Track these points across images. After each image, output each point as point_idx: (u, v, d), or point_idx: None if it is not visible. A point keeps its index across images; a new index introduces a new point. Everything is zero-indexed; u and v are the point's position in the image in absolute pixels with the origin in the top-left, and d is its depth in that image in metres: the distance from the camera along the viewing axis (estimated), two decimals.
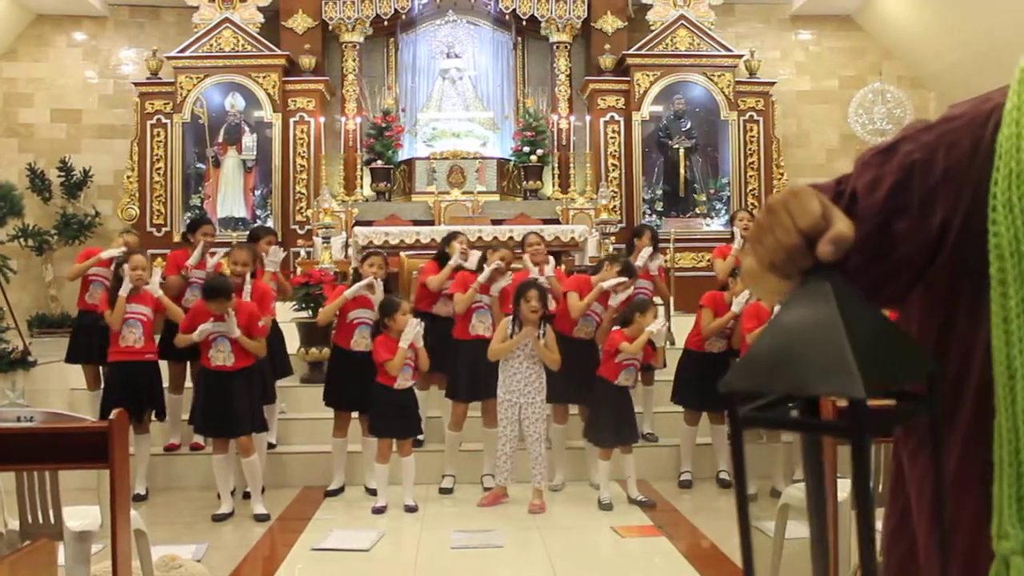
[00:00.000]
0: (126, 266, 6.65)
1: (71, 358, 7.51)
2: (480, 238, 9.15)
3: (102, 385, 7.14)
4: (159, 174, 11.93)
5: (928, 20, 12.46)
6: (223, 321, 6.19)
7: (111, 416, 3.58)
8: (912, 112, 12.54)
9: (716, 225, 12.08)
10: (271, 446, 7.21)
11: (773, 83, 12.70)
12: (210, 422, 6.34)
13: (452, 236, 7.49)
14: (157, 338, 6.97)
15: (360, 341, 6.68)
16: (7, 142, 12.82)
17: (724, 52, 12.34)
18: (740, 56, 12.49)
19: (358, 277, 7.08)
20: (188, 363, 7.38)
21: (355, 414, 6.84)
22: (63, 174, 12.48)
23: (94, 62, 13.08)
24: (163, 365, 7.13)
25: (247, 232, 9.30)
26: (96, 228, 12.39)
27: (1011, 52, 9.78)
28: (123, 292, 6.52)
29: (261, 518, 6.18)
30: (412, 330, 6.21)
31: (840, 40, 13.64)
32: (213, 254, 7.57)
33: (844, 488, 4.19)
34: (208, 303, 6.25)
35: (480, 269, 7.03)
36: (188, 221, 10.37)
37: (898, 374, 0.95)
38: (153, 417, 6.87)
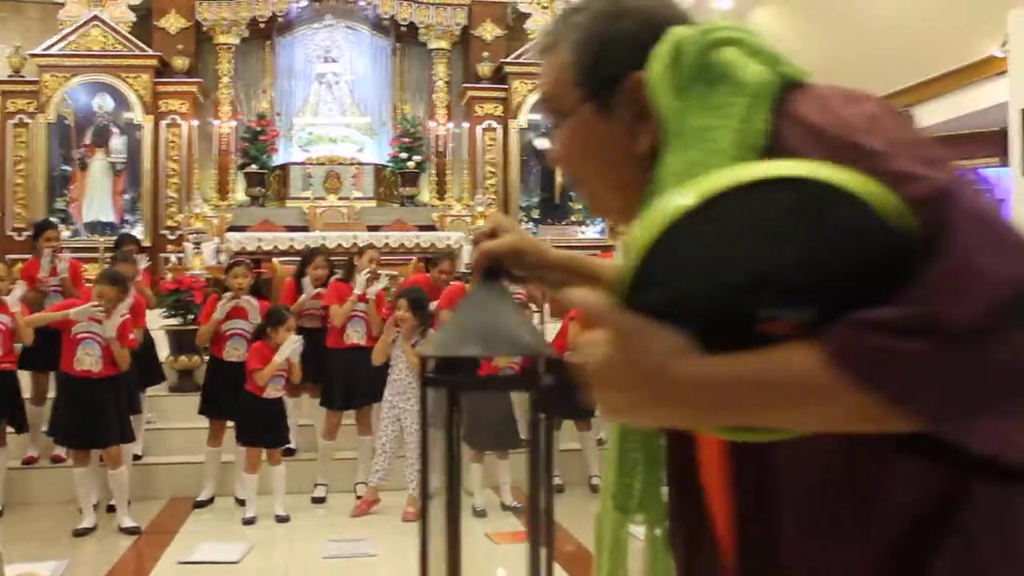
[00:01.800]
0: None
1: None
2: (355, 244, 9.10)
3: None
4: (21, 176, 11.52)
5: (796, 35, 12.87)
6: (104, 320, 5.98)
7: None
8: None
9: (591, 232, 12.24)
10: (137, 457, 7.01)
11: None
12: (74, 433, 6.12)
13: (315, 252, 7.39)
14: (20, 347, 6.71)
15: (233, 352, 6.57)
16: None
17: None
18: None
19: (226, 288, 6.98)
20: (52, 374, 7.16)
21: (230, 423, 6.71)
22: None
23: None
24: (25, 376, 6.89)
25: (114, 237, 9.09)
26: None
27: (874, 65, 10.11)
28: None
29: (131, 531, 6.00)
30: (290, 347, 6.13)
31: None
32: (60, 260, 7.32)
33: None
34: (104, 287, 6.06)
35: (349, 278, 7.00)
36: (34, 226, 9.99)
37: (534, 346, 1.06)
38: (12, 430, 6.59)
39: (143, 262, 7.44)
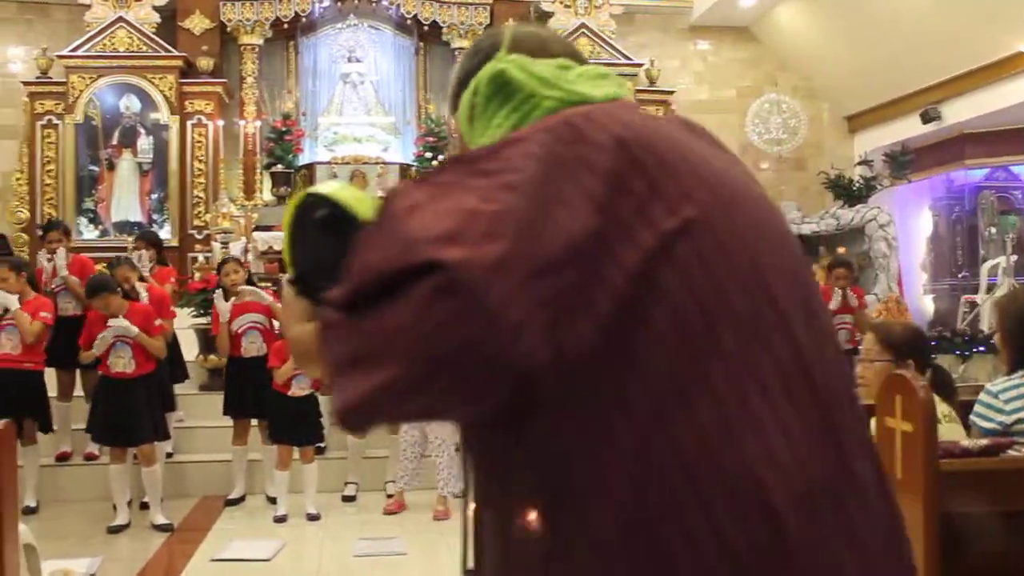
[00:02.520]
0: None
1: None
2: None
3: None
4: (50, 176, 11.57)
5: (821, 32, 12.82)
6: (116, 324, 6.03)
7: None
8: (806, 123, 12.87)
9: None
10: (169, 455, 7.06)
11: (672, 92, 12.91)
12: (109, 431, 6.18)
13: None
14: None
15: (250, 347, 6.62)
16: None
17: (625, 60, 12.49)
18: (640, 65, 12.66)
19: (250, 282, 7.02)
20: (78, 371, 7.22)
21: (255, 421, 6.74)
22: None
23: None
24: (52, 373, 6.94)
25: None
26: None
27: (901, 62, 10.11)
28: None
29: (164, 528, 6.05)
30: None
31: (737, 51, 13.93)
32: (51, 259, 7.33)
33: None
34: (95, 301, 6.14)
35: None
36: (42, 226, 10.04)
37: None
38: (38, 430, 6.63)
39: (147, 258, 7.49)
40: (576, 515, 1.03)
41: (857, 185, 12.73)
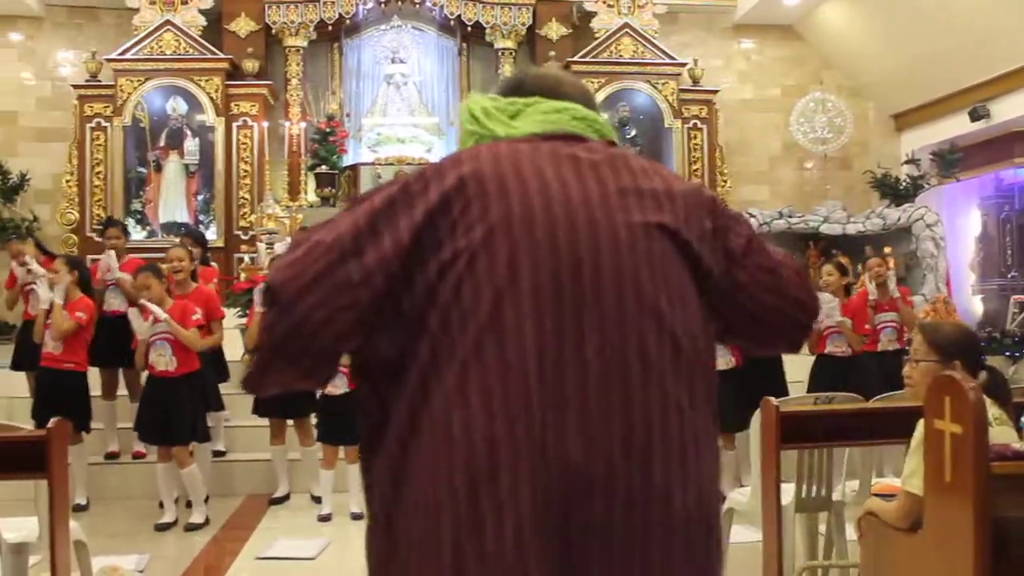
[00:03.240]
0: (37, 280, 6.59)
1: (16, 365, 7.53)
2: None
3: None
4: (99, 178, 11.74)
5: (867, 30, 12.69)
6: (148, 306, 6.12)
7: (49, 424, 3.51)
8: (852, 121, 12.74)
9: None
10: (220, 454, 7.14)
11: (716, 91, 12.84)
12: (153, 430, 6.25)
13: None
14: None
15: None
16: None
17: (668, 60, 12.44)
18: (684, 64, 12.60)
19: None
20: (121, 370, 7.34)
21: (290, 420, 6.77)
22: None
23: (30, 63, 12.81)
24: (96, 373, 7.07)
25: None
26: (35, 233, 12.12)
27: (949, 59, 9.94)
28: (37, 308, 6.53)
29: (193, 527, 6.12)
30: None
31: (782, 49, 13.82)
32: (108, 257, 7.45)
33: (787, 493, 4.25)
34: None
35: None
36: (102, 223, 10.20)
37: None
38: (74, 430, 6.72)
39: (188, 258, 7.64)
40: (374, 464, 1.52)
41: (904, 184, 12.59)
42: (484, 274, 1.43)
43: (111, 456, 7.20)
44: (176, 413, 6.12)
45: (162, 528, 6.09)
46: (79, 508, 6.48)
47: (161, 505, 6.29)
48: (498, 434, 1.38)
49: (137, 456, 7.15)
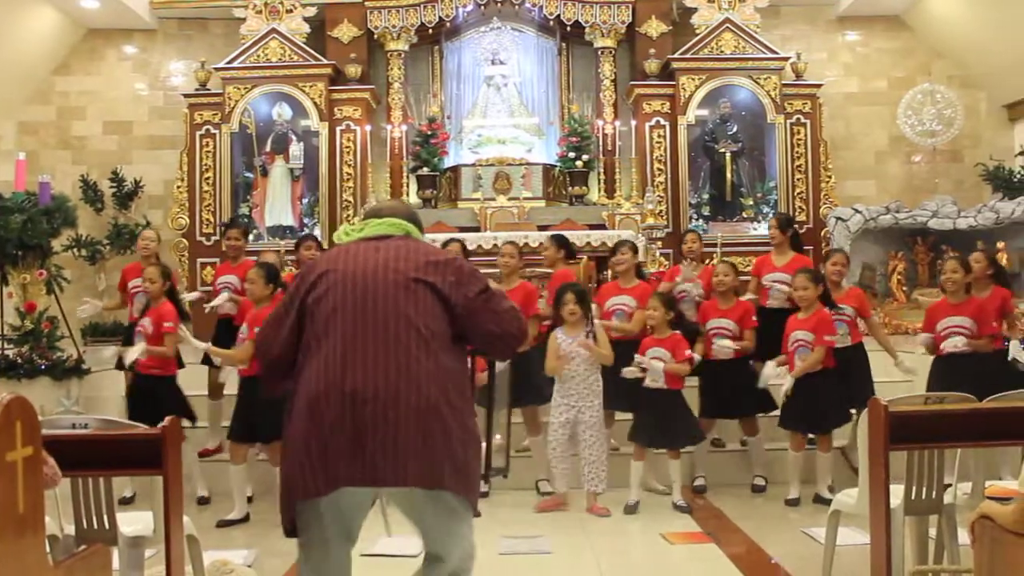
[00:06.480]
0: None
1: (122, 366, 7.68)
2: (527, 244, 9.21)
3: None
4: (208, 184, 12.06)
5: (978, 19, 12.29)
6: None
7: (164, 423, 3.63)
8: (962, 113, 12.37)
9: (763, 229, 11.95)
10: None
11: (820, 85, 12.57)
12: (239, 428, 6.54)
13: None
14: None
15: None
16: (61, 154, 13.03)
17: (770, 55, 12.23)
18: (786, 58, 12.37)
19: None
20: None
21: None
22: (115, 185, 12.67)
23: (144, 74, 13.26)
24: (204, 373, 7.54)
25: (294, 240, 9.45)
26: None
27: None
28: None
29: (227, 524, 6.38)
30: None
31: (888, 40, 13.48)
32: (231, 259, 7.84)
33: (896, 495, 4.15)
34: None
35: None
36: (224, 223, 10.59)
37: None
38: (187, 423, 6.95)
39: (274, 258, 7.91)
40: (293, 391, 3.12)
41: (1018, 176, 12.16)
42: (324, 307, 3.06)
43: (204, 454, 7.49)
44: (260, 411, 6.15)
45: (224, 524, 6.38)
46: (203, 501, 6.89)
47: (249, 500, 6.61)
48: (322, 379, 2.96)
49: (204, 454, 7.51)
